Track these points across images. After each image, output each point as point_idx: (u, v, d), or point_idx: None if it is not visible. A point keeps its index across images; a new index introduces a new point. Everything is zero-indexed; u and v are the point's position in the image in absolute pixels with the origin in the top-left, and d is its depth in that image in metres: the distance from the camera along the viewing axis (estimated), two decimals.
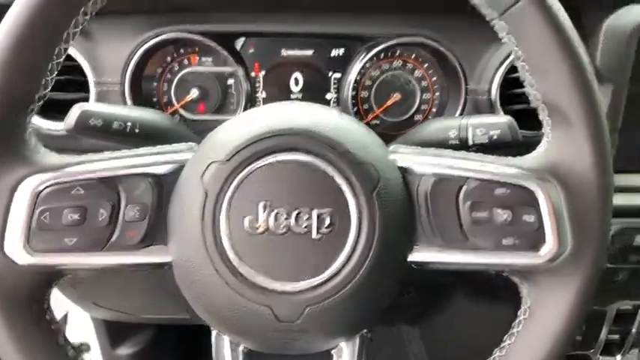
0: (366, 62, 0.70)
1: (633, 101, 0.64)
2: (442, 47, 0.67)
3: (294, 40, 0.72)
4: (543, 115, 0.43)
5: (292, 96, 0.74)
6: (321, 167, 0.41)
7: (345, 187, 0.40)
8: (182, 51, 0.71)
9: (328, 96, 0.74)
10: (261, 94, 0.73)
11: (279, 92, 0.74)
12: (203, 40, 0.67)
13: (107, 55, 0.66)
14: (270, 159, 0.41)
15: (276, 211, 0.40)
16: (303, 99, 0.74)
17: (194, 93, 0.72)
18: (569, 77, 0.40)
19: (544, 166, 0.42)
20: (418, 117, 0.74)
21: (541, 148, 0.44)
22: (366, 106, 0.74)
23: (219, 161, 0.41)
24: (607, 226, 0.42)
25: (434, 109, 0.73)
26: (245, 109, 0.72)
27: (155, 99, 0.72)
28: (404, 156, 0.45)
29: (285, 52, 0.73)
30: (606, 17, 0.62)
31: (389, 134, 0.72)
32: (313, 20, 0.69)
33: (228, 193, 0.40)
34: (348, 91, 0.71)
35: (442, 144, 0.57)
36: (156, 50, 0.68)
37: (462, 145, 0.56)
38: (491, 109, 0.65)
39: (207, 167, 0.41)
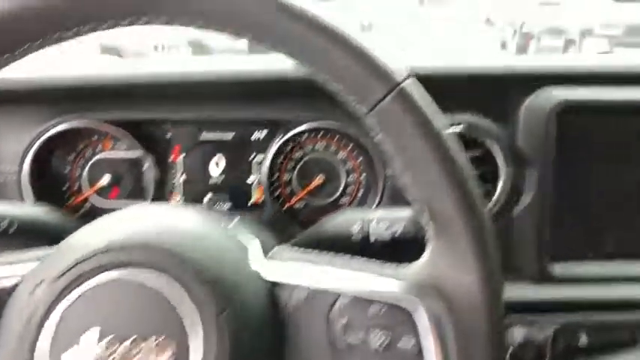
0: (282, 145, 0.67)
1: (561, 186, 0.59)
2: (358, 132, 0.63)
3: (215, 123, 0.70)
4: (425, 220, 0.38)
5: (212, 180, 0.70)
6: (161, 287, 0.35)
7: (188, 310, 0.35)
8: (95, 136, 0.68)
9: (250, 179, 0.70)
10: (180, 179, 0.70)
11: (199, 176, 0.70)
12: (107, 129, 0.64)
13: (7, 144, 0.63)
14: (104, 277, 0.36)
15: (106, 340, 0.34)
16: (224, 183, 0.70)
17: (106, 179, 0.68)
18: (443, 181, 0.36)
19: (425, 279, 0.37)
20: (344, 200, 0.70)
21: (424, 257, 0.38)
22: (289, 190, 0.70)
23: (51, 278, 0.36)
24: (497, 348, 0.36)
25: (361, 192, 0.69)
26: (155, 196, 0.68)
27: (66, 186, 0.69)
28: (277, 264, 0.40)
29: (204, 136, 0.70)
30: (527, 97, 0.59)
31: (316, 219, 0.67)
32: (222, 107, 0.66)
33: (55, 316, 0.35)
34: (264, 175, 0.67)
35: (345, 240, 0.53)
36: (60, 138, 0.65)
37: (364, 242, 0.51)
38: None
39: (38, 284, 0.36)
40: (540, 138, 0.57)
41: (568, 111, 0.57)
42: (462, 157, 0.37)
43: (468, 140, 0.60)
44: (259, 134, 0.69)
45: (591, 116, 0.58)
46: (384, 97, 0.36)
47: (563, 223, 0.60)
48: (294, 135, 0.67)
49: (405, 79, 0.37)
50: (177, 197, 0.70)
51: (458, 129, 0.59)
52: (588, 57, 0.64)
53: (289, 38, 0.36)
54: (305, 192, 0.69)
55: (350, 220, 0.53)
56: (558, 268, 0.60)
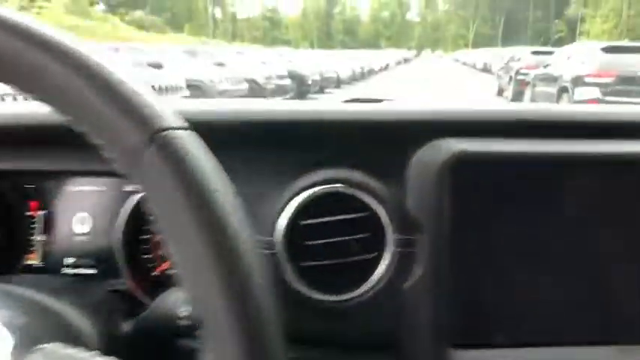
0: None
1: (461, 255, 0.49)
2: None
3: (82, 174, 0.61)
4: (195, 318, 0.29)
5: (77, 238, 0.61)
6: None
7: None
8: None
9: None
10: (37, 238, 0.60)
11: (61, 236, 0.61)
12: None
13: None
14: None
15: None
16: (89, 244, 0.61)
17: None
18: (208, 268, 0.27)
19: None
20: None
21: None
22: (161, 253, 0.60)
23: None
24: None
25: None
26: (1, 259, 0.58)
27: None
28: None
29: (69, 188, 0.61)
30: (416, 150, 0.51)
31: None
32: (90, 155, 0.58)
33: None
34: (119, 234, 0.58)
35: (171, 324, 0.43)
36: None
37: (192, 328, 0.41)
38: (276, 268, 0.51)
39: None
40: (432, 197, 0.48)
41: (464, 165, 0.48)
42: (237, 236, 0.28)
43: (349, 200, 0.51)
44: (132, 187, 0.61)
45: (493, 171, 0.49)
46: (140, 150, 0.28)
47: (465, 300, 0.50)
48: None
49: (171, 128, 0.29)
50: (34, 260, 0.61)
51: (335, 187, 0.50)
52: (489, 105, 0.55)
53: (31, 74, 0.29)
54: None
55: (179, 301, 0.43)
56: (460, 357, 0.49)
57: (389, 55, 35.82)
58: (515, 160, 0.49)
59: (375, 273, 0.51)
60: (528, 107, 0.53)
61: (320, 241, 0.49)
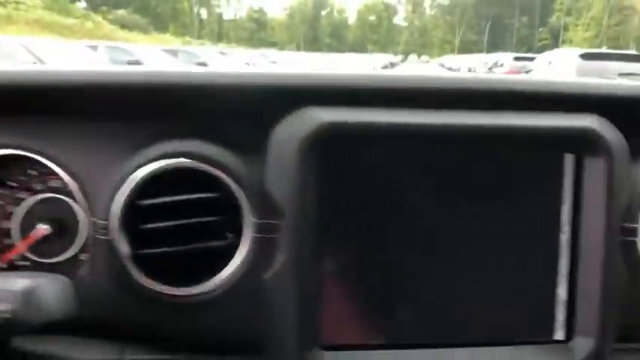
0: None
1: (328, 242, 0.42)
2: (48, 161, 0.46)
3: None
4: None
5: None
6: None
7: None
8: None
9: None
10: None
11: None
12: None
13: None
14: None
15: None
16: None
17: None
18: None
19: None
20: (86, 256, 0.52)
21: None
22: (8, 241, 0.52)
23: None
24: None
25: None
26: None
27: None
28: None
29: None
30: (279, 121, 0.44)
31: None
32: None
33: None
34: None
35: None
36: None
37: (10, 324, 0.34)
38: (114, 255, 0.43)
39: None
40: (293, 175, 0.41)
41: (331, 138, 0.41)
42: None
43: (201, 179, 0.44)
44: None
45: (365, 145, 0.43)
46: None
47: (335, 294, 0.43)
48: (6, 166, 0.50)
49: None
50: None
51: (180, 162, 0.43)
52: (366, 72, 0.49)
53: None
54: (25, 246, 0.51)
55: None
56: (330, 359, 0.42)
57: (375, 59, 35.96)
58: (392, 132, 0.42)
59: (232, 262, 0.44)
60: (411, 75, 0.47)
61: (162, 224, 0.42)
